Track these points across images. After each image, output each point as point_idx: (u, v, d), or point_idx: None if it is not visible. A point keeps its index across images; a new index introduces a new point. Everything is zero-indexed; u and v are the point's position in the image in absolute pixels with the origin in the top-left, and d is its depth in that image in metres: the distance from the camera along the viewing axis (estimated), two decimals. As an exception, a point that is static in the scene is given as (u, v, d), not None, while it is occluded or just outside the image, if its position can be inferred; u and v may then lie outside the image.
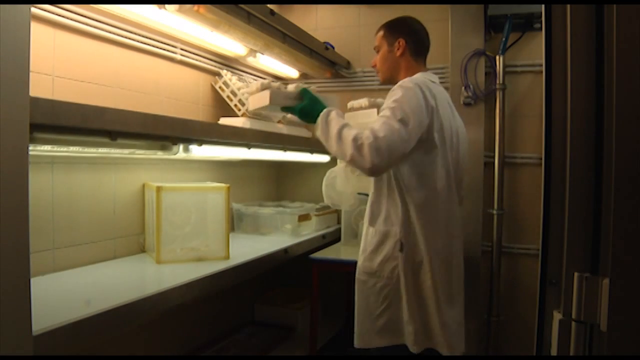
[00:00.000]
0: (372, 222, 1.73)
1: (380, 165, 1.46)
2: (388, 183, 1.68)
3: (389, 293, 1.68)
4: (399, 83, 1.61)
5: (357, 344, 1.75)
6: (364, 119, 1.92)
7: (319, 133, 1.61)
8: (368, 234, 1.75)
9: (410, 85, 1.57)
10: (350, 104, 2.04)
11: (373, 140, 1.44)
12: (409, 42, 1.78)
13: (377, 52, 1.85)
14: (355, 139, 1.47)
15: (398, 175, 1.64)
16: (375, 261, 1.70)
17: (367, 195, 2.03)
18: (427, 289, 1.66)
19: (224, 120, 2.35)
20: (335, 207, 2.20)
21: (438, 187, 1.64)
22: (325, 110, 1.61)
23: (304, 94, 1.71)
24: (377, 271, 1.69)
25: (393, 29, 1.81)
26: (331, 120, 1.57)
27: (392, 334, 1.69)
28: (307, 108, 1.67)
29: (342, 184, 1.98)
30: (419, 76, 1.70)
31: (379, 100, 1.93)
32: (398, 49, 1.77)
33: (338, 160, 2.04)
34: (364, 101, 1.98)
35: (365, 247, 1.75)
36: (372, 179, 1.75)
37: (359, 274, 1.76)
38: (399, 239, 1.65)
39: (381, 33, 1.83)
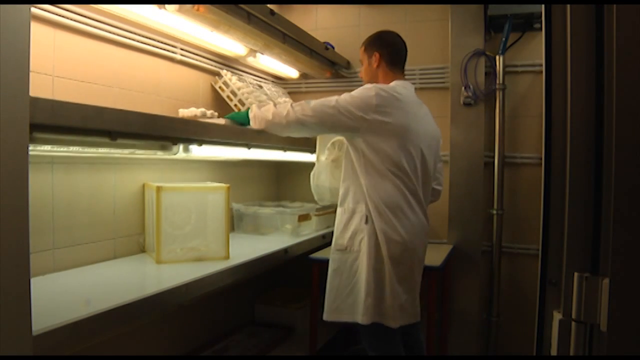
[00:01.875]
0: (342, 202, 1.97)
1: (301, 119, 1.84)
2: (351, 167, 1.93)
3: (357, 267, 1.88)
4: (373, 85, 1.89)
5: (326, 317, 1.95)
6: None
7: (254, 114, 1.95)
8: (339, 214, 1.98)
9: (370, 88, 1.86)
10: (181, 112, 2.16)
11: (305, 103, 1.86)
12: (384, 54, 2.01)
13: (362, 64, 2.11)
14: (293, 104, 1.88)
15: (354, 160, 1.90)
16: (345, 237, 1.92)
17: None
18: (384, 262, 1.84)
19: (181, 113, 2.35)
20: (323, 202, 2.29)
21: (391, 176, 1.86)
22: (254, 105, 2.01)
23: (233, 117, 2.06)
24: (348, 246, 1.91)
25: (370, 44, 2.06)
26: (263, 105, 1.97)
27: (356, 309, 1.86)
28: (239, 119, 2.03)
29: (327, 179, 2.16)
30: (392, 84, 1.95)
31: (210, 111, 2.12)
32: (375, 62, 2.02)
33: (315, 157, 2.25)
34: (198, 111, 2.10)
35: (337, 227, 1.98)
36: None
37: (332, 253, 1.97)
38: (364, 214, 1.88)
39: (362, 49, 2.09)
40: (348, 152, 1.94)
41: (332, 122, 1.85)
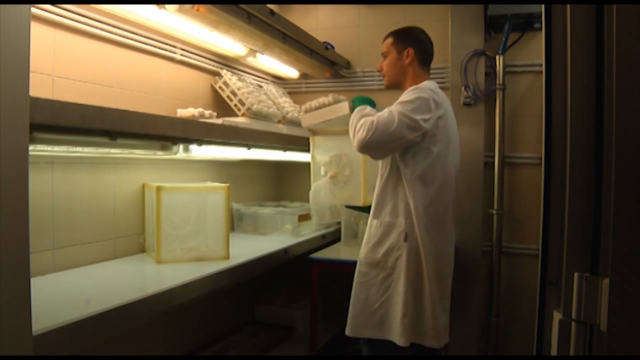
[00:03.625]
0: (377, 214, 1.86)
1: (370, 142, 1.69)
2: (394, 177, 1.82)
3: (390, 284, 1.79)
4: (416, 86, 1.80)
5: (349, 332, 1.86)
6: (335, 114, 2.08)
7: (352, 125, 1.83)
8: (372, 227, 1.87)
9: (425, 89, 1.77)
10: (307, 105, 2.19)
11: (372, 121, 1.70)
12: (417, 51, 1.90)
13: (385, 57, 1.96)
14: (362, 121, 1.73)
15: (404, 170, 1.78)
16: (379, 252, 1.81)
17: (355, 207, 2.12)
18: (425, 280, 1.76)
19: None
20: (323, 220, 2.28)
21: (438, 184, 1.78)
22: (361, 106, 1.89)
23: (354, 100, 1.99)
24: (381, 262, 1.81)
25: (403, 37, 1.93)
26: (360, 112, 1.84)
27: (386, 327, 1.79)
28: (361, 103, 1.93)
29: (327, 196, 2.10)
30: (428, 83, 1.85)
31: (208, 111, 2.09)
32: (407, 58, 1.90)
33: (311, 175, 2.24)
34: (196, 111, 2.10)
35: (369, 239, 1.87)
36: (359, 190, 1.97)
37: (360, 266, 1.87)
38: (403, 230, 1.78)
39: (390, 40, 1.95)
40: (395, 160, 1.82)
41: (399, 139, 1.71)
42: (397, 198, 1.81)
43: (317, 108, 2.16)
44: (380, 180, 1.87)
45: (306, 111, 2.23)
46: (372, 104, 1.94)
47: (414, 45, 1.90)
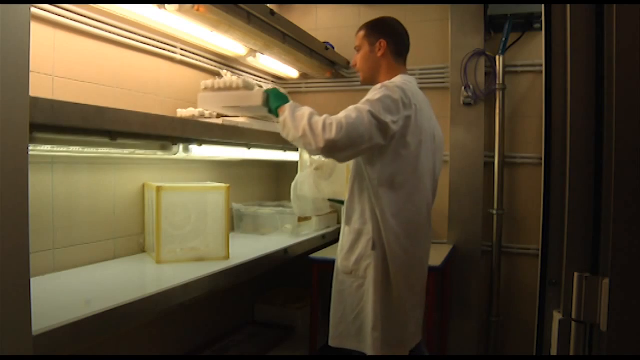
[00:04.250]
0: (348, 221, 1.76)
1: (338, 143, 1.48)
2: (360, 182, 1.71)
3: (363, 294, 1.70)
4: (383, 84, 1.65)
5: (331, 343, 1.78)
6: (244, 102, 1.82)
7: (285, 120, 1.62)
8: (344, 234, 1.78)
9: (393, 87, 1.62)
10: (208, 83, 1.90)
11: (340, 120, 1.50)
12: (390, 43, 1.78)
13: (358, 51, 1.85)
14: (326, 120, 1.52)
15: (370, 174, 1.66)
16: (351, 260, 1.73)
17: (339, 201, 2.03)
18: (394, 290, 1.68)
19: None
20: (304, 214, 2.16)
21: (409, 189, 1.68)
22: (292, 103, 1.67)
23: (269, 92, 1.76)
24: (353, 270, 1.73)
25: (375, 29, 1.81)
26: (301, 108, 1.62)
27: (362, 339, 1.71)
28: (275, 100, 1.71)
29: (310, 190, 1.97)
30: (399, 79, 1.72)
31: (208, 111, 1.89)
32: (379, 50, 1.78)
33: (299, 166, 2.07)
34: (196, 111, 1.90)
35: (342, 247, 1.78)
36: (344, 184, 1.81)
37: (337, 274, 1.80)
38: (371, 237, 1.67)
39: (362, 33, 1.83)
40: (359, 164, 1.71)
41: (368, 141, 1.53)
42: (364, 204, 1.70)
43: (220, 89, 1.87)
44: (349, 184, 1.76)
45: (205, 89, 1.89)
46: (287, 100, 1.71)
47: (386, 37, 1.78)
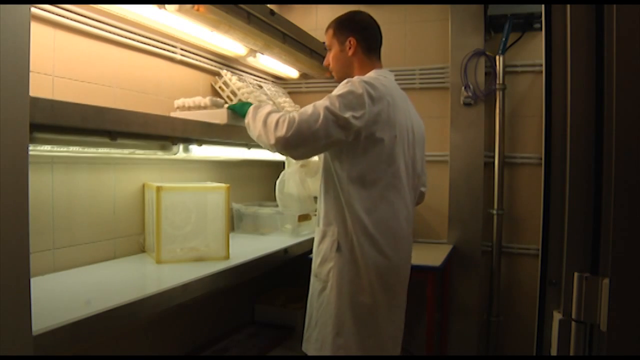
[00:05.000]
0: (318, 221, 1.70)
1: (290, 140, 1.45)
2: (327, 181, 1.65)
3: (325, 298, 1.61)
4: (349, 79, 1.58)
5: (303, 347, 1.72)
6: (210, 119, 1.85)
7: (248, 122, 1.64)
8: (315, 234, 1.71)
9: (358, 82, 1.54)
10: (180, 102, 1.96)
11: (292, 117, 1.48)
12: (360, 39, 1.71)
13: (329, 50, 1.79)
14: (280, 117, 1.50)
15: (339, 172, 1.59)
16: (317, 262, 1.66)
17: None
18: (363, 298, 1.58)
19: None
20: (289, 212, 2.10)
21: (382, 187, 1.59)
22: (256, 104, 1.68)
23: (234, 108, 1.80)
24: (317, 273, 1.65)
25: (343, 27, 1.74)
26: (261, 108, 1.61)
27: (324, 346, 1.61)
28: (240, 112, 1.74)
29: (296, 187, 1.93)
30: (371, 74, 1.66)
31: (220, 100, 1.91)
32: (350, 48, 1.71)
33: (286, 163, 2.04)
34: (204, 100, 1.90)
35: (314, 247, 1.71)
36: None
37: (311, 274, 1.73)
38: (335, 239, 1.59)
39: (331, 31, 1.77)
40: (327, 161, 1.64)
41: (325, 138, 1.48)
42: (329, 204, 1.62)
43: (190, 108, 1.97)
44: (321, 182, 1.69)
45: (178, 108, 2.02)
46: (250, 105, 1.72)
47: (355, 34, 1.70)
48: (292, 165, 1.97)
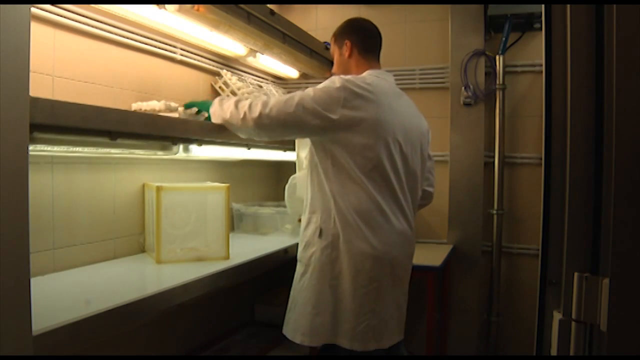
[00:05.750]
0: (304, 209, 1.77)
1: (265, 119, 1.57)
2: (312, 171, 1.71)
3: (305, 283, 1.69)
4: (331, 78, 1.63)
5: (283, 329, 1.77)
6: None
7: (214, 110, 1.72)
8: (302, 221, 1.78)
9: (337, 82, 1.59)
10: (136, 106, 1.94)
11: (266, 100, 1.60)
12: (355, 41, 1.79)
13: (334, 59, 1.89)
14: (253, 101, 1.62)
15: (321, 163, 1.66)
16: (300, 247, 1.74)
17: None
18: (341, 282, 1.63)
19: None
20: (298, 216, 2.09)
21: (363, 177, 1.61)
22: (218, 98, 1.78)
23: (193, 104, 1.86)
24: (301, 258, 1.73)
25: (340, 33, 1.84)
26: (228, 98, 1.73)
27: (296, 326, 1.69)
28: (203, 108, 1.82)
29: (305, 191, 1.93)
30: (364, 74, 1.72)
31: (173, 104, 1.91)
32: (346, 51, 1.80)
33: (297, 167, 2.07)
34: (159, 104, 1.90)
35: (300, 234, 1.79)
36: None
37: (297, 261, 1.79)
38: (318, 226, 1.66)
39: (332, 40, 1.87)
40: (312, 154, 1.70)
41: (295, 125, 1.58)
42: (314, 192, 1.69)
43: (145, 112, 1.95)
44: (309, 173, 1.75)
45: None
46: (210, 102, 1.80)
47: (350, 36, 1.79)
48: (303, 170, 1.98)
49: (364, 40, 1.80)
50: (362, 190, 1.62)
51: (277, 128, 1.61)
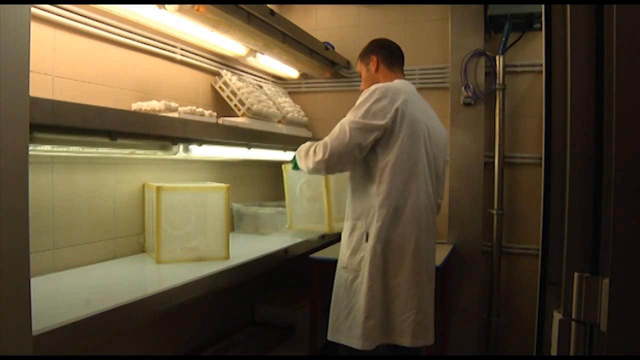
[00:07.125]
0: (347, 216, 1.88)
1: (329, 160, 1.71)
2: (354, 178, 1.84)
3: (357, 287, 1.76)
4: (364, 92, 1.79)
5: (328, 336, 1.86)
6: None
7: (299, 163, 1.89)
8: (343, 229, 1.90)
9: (371, 90, 1.76)
10: (136, 106, 1.94)
11: (325, 141, 1.73)
12: (380, 55, 1.96)
13: (361, 77, 2.03)
14: (316, 145, 1.76)
15: (362, 169, 1.79)
16: (347, 254, 1.82)
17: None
18: (392, 279, 1.74)
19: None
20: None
21: (406, 176, 1.75)
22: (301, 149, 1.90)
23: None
24: (348, 265, 1.81)
25: (365, 51, 2.02)
26: (302, 146, 1.89)
27: (353, 333, 1.75)
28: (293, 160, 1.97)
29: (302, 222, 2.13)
30: (389, 82, 1.86)
31: (173, 104, 1.90)
32: (373, 65, 1.96)
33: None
34: (159, 104, 1.89)
35: (342, 242, 1.90)
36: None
37: (337, 269, 1.89)
38: (364, 231, 1.77)
39: (358, 61, 2.04)
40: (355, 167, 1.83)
41: (357, 147, 1.70)
42: (358, 198, 1.82)
43: (146, 112, 1.97)
44: (350, 185, 1.88)
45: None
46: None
47: (375, 53, 1.96)
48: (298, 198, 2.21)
49: (388, 55, 1.97)
50: (402, 190, 1.74)
51: (343, 159, 1.72)
